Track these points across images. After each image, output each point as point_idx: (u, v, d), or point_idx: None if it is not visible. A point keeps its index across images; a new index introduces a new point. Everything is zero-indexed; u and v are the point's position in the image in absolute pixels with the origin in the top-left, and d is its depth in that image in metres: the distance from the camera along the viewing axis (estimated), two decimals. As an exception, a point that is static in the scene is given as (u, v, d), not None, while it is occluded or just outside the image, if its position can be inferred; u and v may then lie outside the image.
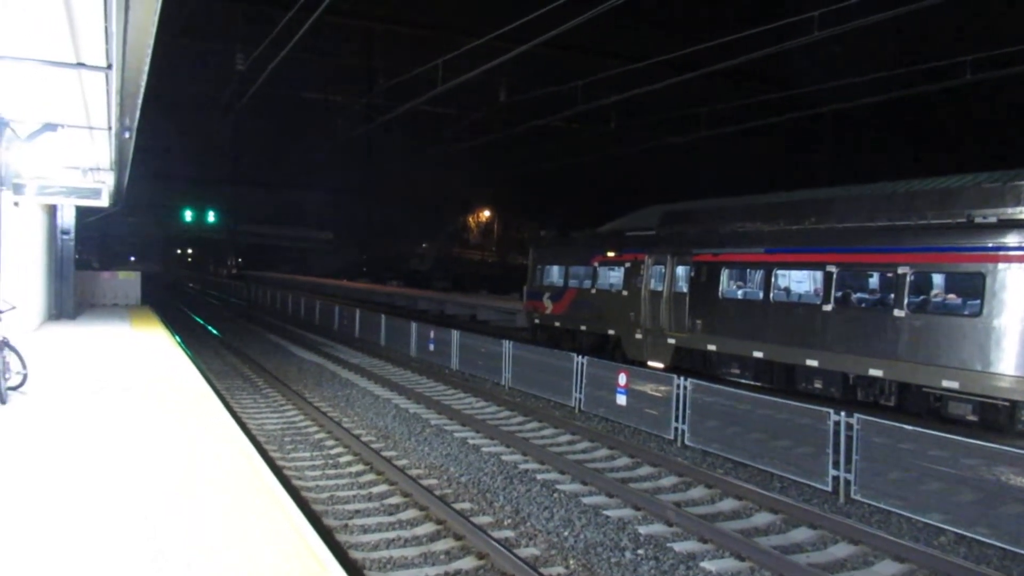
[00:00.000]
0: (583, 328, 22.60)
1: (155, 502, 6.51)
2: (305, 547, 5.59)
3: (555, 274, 24.70)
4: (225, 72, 28.08)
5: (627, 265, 20.90)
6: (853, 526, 8.95)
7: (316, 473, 10.85)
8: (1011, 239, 12.58)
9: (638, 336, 20.11)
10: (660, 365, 18.75)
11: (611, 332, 21.27)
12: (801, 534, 9.00)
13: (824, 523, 9.14)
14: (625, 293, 20.79)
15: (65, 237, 24.41)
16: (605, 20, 16.95)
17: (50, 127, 13.36)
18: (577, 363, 15.68)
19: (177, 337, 22.03)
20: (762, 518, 9.55)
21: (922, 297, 13.95)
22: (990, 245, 12.80)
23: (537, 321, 25.11)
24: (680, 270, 19.14)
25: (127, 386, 12.25)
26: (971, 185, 18.88)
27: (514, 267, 63.48)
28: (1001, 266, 12.53)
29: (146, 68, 10.07)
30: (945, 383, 13.04)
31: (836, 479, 10.22)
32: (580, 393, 15.61)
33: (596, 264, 22.33)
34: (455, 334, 21.29)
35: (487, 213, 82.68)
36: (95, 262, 58.99)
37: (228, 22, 25.12)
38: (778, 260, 16.66)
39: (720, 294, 17.81)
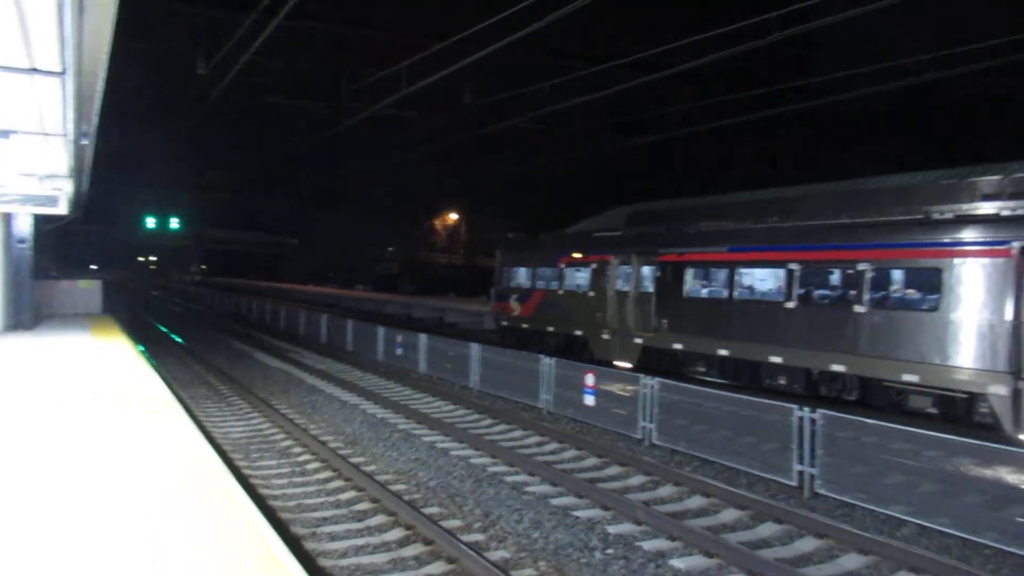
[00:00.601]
0: (550, 329, 22.65)
1: (116, 513, 6.39)
2: (271, 557, 5.53)
3: (522, 276, 24.72)
4: (186, 76, 27.71)
5: (593, 266, 21.00)
6: (818, 520, 9.08)
7: (283, 481, 10.74)
8: (967, 234, 12.86)
9: (605, 336, 20.21)
10: (627, 365, 18.86)
11: (578, 333, 21.35)
12: (768, 529, 9.10)
13: (790, 518, 9.26)
14: (592, 294, 20.88)
15: (22, 246, 23.89)
16: (570, 22, 17.02)
17: (2, 134, 13.06)
18: (545, 364, 15.71)
19: (140, 346, 21.66)
20: (729, 514, 9.65)
21: (882, 293, 14.19)
22: (947, 241, 13.06)
23: (505, 323, 25.12)
24: (646, 270, 19.28)
25: (88, 396, 12.02)
26: (928, 182, 19.27)
27: (481, 269, 63.42)
28: (957, 261, 12.80)
29: (103, 73, 9.91)
30: (905, 377, 13.28)
31: (801, 474, 10.36)
32: (548, 394, 15.64)
33: (563, 265, 22.40)
34: (422, 338, 21.21)
35: (454, 216, 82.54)
36: (54, 271, 57.81)
37: (189, 26, 24.81)
38: (741, 259, 16.84)
39: (685, 293, 17.97)
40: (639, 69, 22.45)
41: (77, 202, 25.72)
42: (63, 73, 8.75)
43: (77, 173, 19.57)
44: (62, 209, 19.73)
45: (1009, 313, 12.05)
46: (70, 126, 12.19)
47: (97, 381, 13.79)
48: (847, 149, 42.76)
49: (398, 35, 27.00)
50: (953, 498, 9.14)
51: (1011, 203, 12.89)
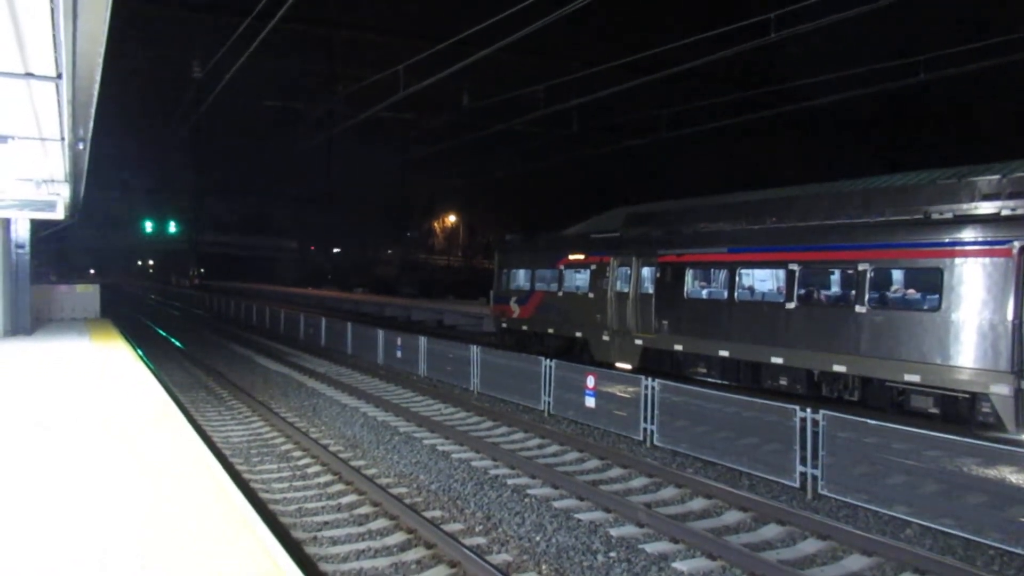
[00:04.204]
0: (550, 331, 22.61)
1: (119, 524, 6.34)
2: (272, 564, 5.48)
3: (521, 278, 24.68)
4: (182, 80, 27.71)
5: (593, 267, 20.96)
6: (821, 521, 9.04)
7: (284, 485, 10.69)
8: (967, 234, 12.82)
9: (605, 338, 20.17)
10: (628, 366, 18.82)
11: (578, 335, 21.30)
12: (771, 531, 9.06)
13: (793, 519, 9.22)
14: (591, 295, 20.83)
15: (20, 251, 23.85)
16: (566, 23, 17.02)
17: (0, 139, 13.04)
18: (545, 366, 15.66)
19: (139, 350, 21.62)
20: (732, 516, 9.61)
21: (883, 293, 14.16)
22: (947, 240, 13.03)
23: (504, 325, 25.08)
24: (645, 271, 19.23)
25: (84, 401, 11.97)
26: (927, 182, 19.25)
27: (480, 271, 63.44)
28: (958, 260, 12.76)
29: (98, 77, 9.87)
30: (907, 377, 13.24)
31: (803, 475, 10.32)
32: (549, 396, 15.59)
33: (562, 267, 22.36)
34: (422, 340, 21.16)
35: (452, 218, 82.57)
36: (53, 275, 57.73)
37: (183, 30, 24.80)
38: (741, 259, 16.80)
39: (685, 294, 17.92)
40: (633, 71, 22.47)
41: (74, 207, 25.69)
42: (58, 78, 8.72)
43: (74, 178, 19.55)
44: (60, 214, 19.70)
45: (1010, 312, 12.01)
46: (67, 131, 12.16)
47: (95, 386, 13.73)
48: (840, 149, 42.89)
49: (394, 38, 27.02)
50: (956, 499, 9.10)
51: (1011, 202, 12.86)
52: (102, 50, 8.60)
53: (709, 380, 16.98)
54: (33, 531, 6.14)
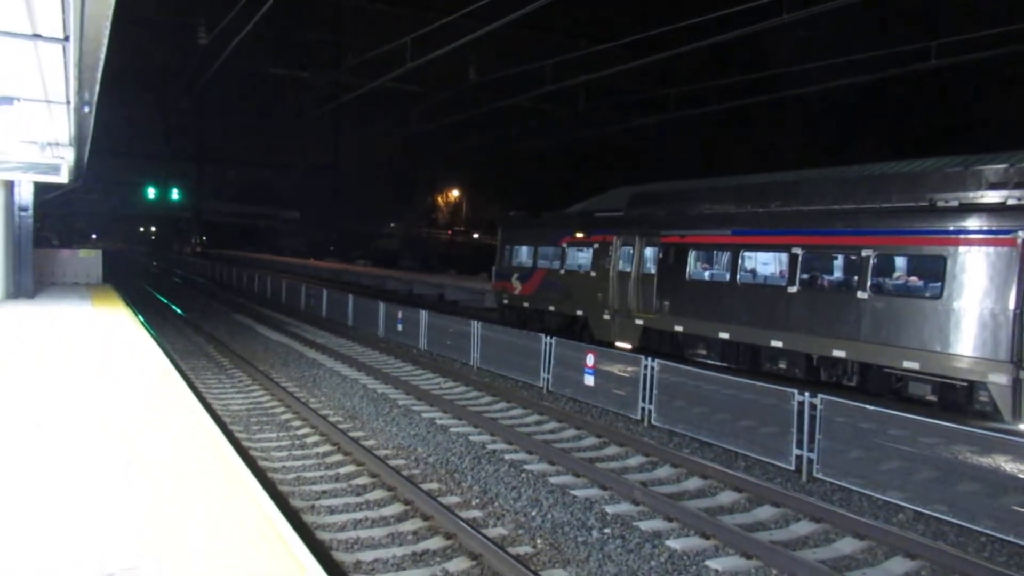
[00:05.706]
0: (551, 309, 22.63)
1: (116, 482, 6.41)
2: (272, 530, 5.54)
3: (524, 255, 24.66)
4: (188, 46, 27.54)
5: (596, 246, 20.93)
6: (815, 504, 9.11)
7: (283, 454, 10.77)
8: (972, 223, 12.79)
9: (606, 317, 20.19)
10: (628, 346, 18.86)
11: (579, 313, 21.33)
12: (765, 512, 9.14)
13: (787, 501, 9.29)
14: (593, 274, 20.83)
15: (23, 214, 23.84)
16: (575, 0, 16.91)
17: (5, 100, 12.96)
18: (545, 344, 15.71)
19: (140, 317, 21.67)
20: (727, 497, 9.68)
21: (885, 279, 14.15)
22: (951, 229, 13.00)
23: (506, 301, 25.09)
24: (648, 251, 19.21)
25: (83, 365, 12.02)
26: (934, 169, 19.16)
27: (483, 247, 63.32)
28: (962, 249, 12.74)
29: (105, 40, 9.79)
30: (906, 364, 13.26)
31: (799, 458, 10.39)
32: (548, 373, 15.65)
33: (565, 245, 22.33)
34: (423, 314, 21.21)
35: (456, 193, 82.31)
36: (55, 239, 57.67)
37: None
38: (744, 242, 16.77)
39: (687, 275, 17.91)
40: (641, 49, 22.32)
41: (78, 171, 25.63)
42: (66, 39, 8.67)
43: (79, 141, 19.47)
44: (63, 178, 19.66)
45: (1012, 302, 12.00)
46: (72, 94, 12.10)
47: (95, 350, 13.78)
48: (845, 135, 42.66)
49: (402, 8, 26.79)
50: (950, 485, 9.17)
51: (1017, 192, 12.79)
52: (110, 13, 8.52)
53: (708, 362, 17.03)
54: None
